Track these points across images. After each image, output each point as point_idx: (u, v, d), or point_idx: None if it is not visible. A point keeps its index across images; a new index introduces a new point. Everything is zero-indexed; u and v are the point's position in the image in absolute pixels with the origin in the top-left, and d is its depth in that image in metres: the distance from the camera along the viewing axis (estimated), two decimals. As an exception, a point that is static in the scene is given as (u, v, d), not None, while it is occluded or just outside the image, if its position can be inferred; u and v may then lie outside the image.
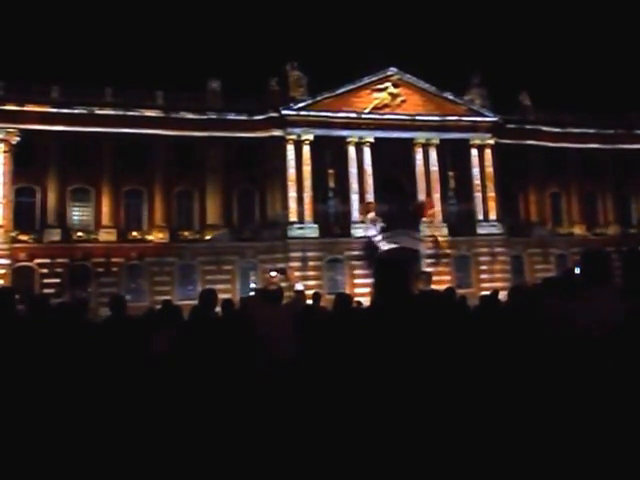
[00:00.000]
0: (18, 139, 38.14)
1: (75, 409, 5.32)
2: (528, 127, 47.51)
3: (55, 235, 38.83)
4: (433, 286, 9.24)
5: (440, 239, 42.13)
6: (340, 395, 4.08)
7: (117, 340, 6.76)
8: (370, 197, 42.38)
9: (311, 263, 40.87)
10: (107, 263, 39.20)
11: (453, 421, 3.81)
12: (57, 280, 37.43)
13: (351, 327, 4.26)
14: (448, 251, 42.72)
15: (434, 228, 42.47)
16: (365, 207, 41.39)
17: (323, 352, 5.28)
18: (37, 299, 9.00)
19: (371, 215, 41.01)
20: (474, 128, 45.44)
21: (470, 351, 4.78)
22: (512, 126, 46.83)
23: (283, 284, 9.55)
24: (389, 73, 44.21)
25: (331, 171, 43.20)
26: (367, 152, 43.14)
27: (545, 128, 47.81)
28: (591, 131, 48.76)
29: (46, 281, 37.29)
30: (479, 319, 7.87)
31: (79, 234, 39.63)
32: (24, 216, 38.73)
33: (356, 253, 41.43)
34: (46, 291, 34.51)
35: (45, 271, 38.01)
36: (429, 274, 9.64)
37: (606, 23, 77.01)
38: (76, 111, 39.63)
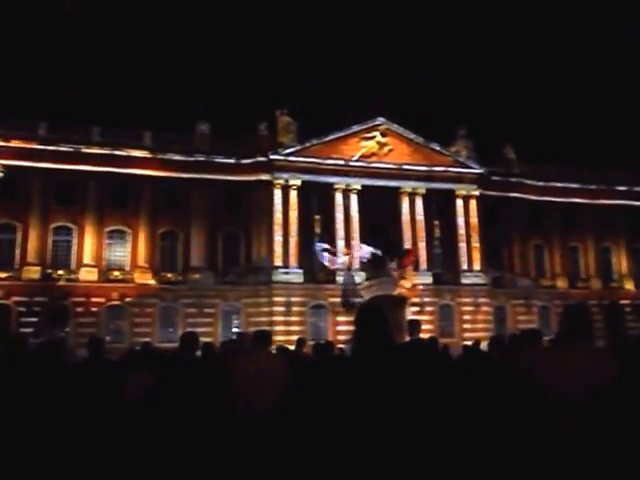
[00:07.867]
0: (1, 175, 37.80)
1: (47, 451, 5.16)
2: (512, 180, 48.15)
3: (34, 273, 38.26)
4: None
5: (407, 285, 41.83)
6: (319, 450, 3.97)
7: (92, 384, 6.58)
8: (355, 241, 42.49)
9: (295, 308, 40.58)
10: (87, 303, 38.61)
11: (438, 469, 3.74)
12: (35, 319, 36.67)
13: (331, 381, 4.15)
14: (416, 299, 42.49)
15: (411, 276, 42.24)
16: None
17: (302, 406, 5.15)
18: (13, 338, 8.79)
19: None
20: (460, 179, 45.98)
21: (449, 402, 4.71)
22: (497, 178, 47.41)
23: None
24: (377, 122, 44.80)
25: (317, 217, 43.16)
26: (354, 199, 43.39)
27: (529, 181, 48.51)
28: (574, 186, 49.49)
29: (24, 320, 36.49)
30: (461, 370, 7.81)
31: (59, 272, 39.03)
32: (3, 253, 38.34)
33: (339, 300, 41.19)
34: (23, 330, 33.72)
35: (23, 309, 37.31)
36: (418, 322, 9.51)
37: (590, 81, 79.16)
38: (62, 149, 39.55)
